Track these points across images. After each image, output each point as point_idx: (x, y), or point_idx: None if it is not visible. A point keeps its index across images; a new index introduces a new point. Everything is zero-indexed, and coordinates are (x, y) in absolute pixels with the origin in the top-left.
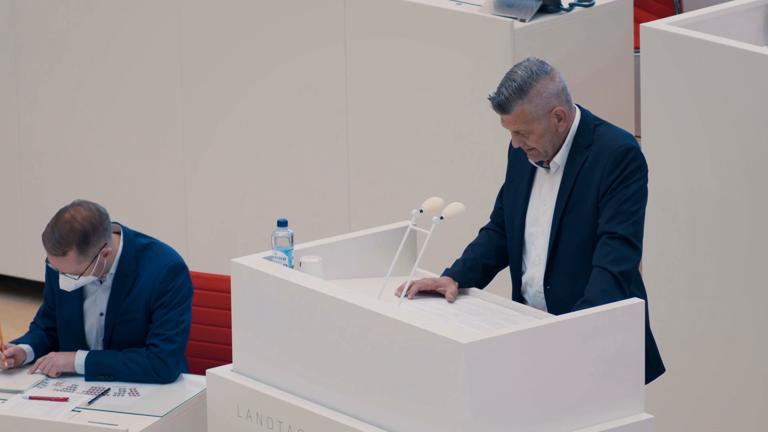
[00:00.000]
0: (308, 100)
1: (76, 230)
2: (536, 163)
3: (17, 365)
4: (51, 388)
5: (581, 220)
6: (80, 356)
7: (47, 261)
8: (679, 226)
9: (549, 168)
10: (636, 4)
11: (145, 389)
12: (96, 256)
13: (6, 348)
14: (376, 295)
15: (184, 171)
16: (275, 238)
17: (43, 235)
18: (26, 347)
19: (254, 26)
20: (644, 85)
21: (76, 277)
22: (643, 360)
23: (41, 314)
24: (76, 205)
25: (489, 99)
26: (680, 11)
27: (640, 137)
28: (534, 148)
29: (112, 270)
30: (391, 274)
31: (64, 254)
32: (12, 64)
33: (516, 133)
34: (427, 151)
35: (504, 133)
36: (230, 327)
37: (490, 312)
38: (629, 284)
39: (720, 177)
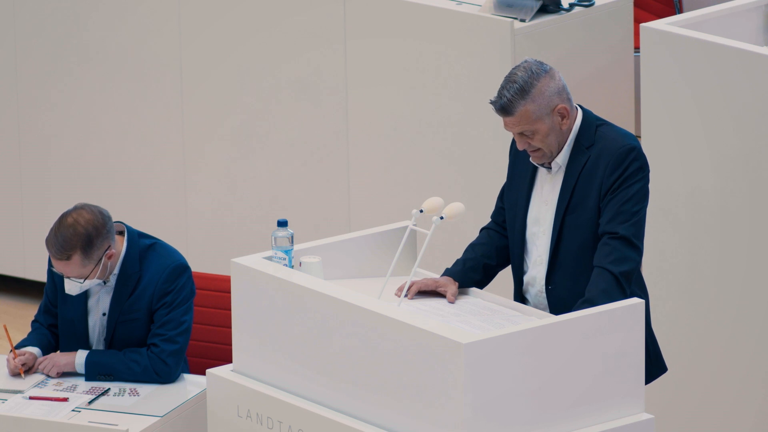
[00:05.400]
0: (308, 100)
1: (80, 234)
2: (538, 163)
3: (30, 370)
4: (51, 388)
5: (583, 220)
6: (81, 356)
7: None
8: (679, 226)
9: (550, 168)
10: (636, 4)
11: (145, 389)
12: (100, 259)
13: (17, 356)
14: (376, 295)
15: (184, 171)
16: (275, 238)
17: (47, 240)
18: (36, 350)
19: (254, 26)
20: (644, 85)
21: (81, 280)
22: (643, 360)
23: (42, 311)
24: (79, 208)
25: (491, 103)
26: (680, 11)
27: (640, 137)
28: (539, 149)
29: (116, 270)
30: (391, 274)
31: (68, 258)
32: (12, 64)
33: (520, 134)
34: (427, 151)
35: (504, 133)
36: (230, 327)
37: (490, 312)
38: (630, 284)
39: (720, 177)
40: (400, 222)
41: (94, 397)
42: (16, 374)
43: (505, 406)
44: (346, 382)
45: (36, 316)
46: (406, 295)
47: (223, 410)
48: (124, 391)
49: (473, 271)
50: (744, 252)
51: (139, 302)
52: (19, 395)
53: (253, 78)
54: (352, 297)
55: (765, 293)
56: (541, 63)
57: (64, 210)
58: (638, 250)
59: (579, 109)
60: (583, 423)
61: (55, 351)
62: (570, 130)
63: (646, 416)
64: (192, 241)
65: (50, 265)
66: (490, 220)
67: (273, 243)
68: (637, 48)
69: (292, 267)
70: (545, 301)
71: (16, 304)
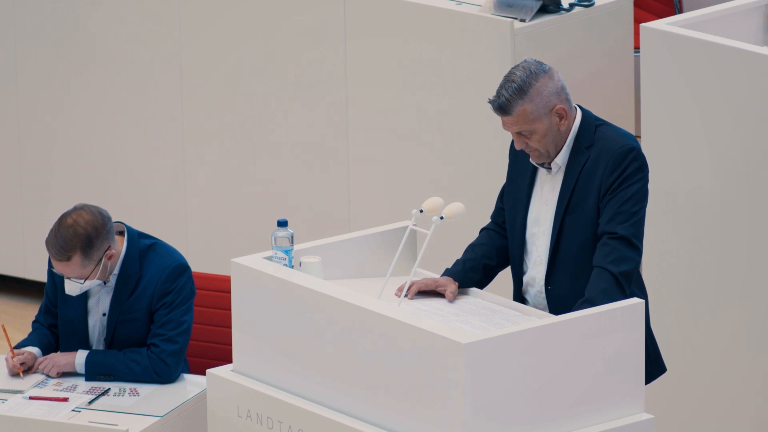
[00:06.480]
0: (308, 100)
1: (80, 235)
2: (537, 163)
3: (30, 370)
4: (51, 388)
5: (582, 220)
6: (81, 356)
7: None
8: (679, 226)
9: (550, 168)
10: (636, 4)
11: (145, 389)
12: (100, 260)
13: (16, 356)
14: (376, 295)
15: (184, 171)
16: (275, 238)
17: (47, 241)
18: (35, 350)
19: (254, 26)
20: (644, 85)
21: (82, 281)
22: (643, 360)
23: (43, 311)
24: (78, 209)
25: (489, 102)
26: (680, 11)
27: (640, 137)
28: (537, 149)
29: (116, 271)
30: (391, 274)
31: (68, 259)
32: (12, 64)
33: (518, 134)
34: (427, 151)
35: (504, 133)
36: (230, 327)
37: (490, 312)
38: (630, 284)
39: (720, 177)
40: (400, 222)
41: (94, 397)
42: (15, 374)
43: (505, 406)
44: (346, 382)
45: (36, 317)
46: (406, 295)
47: (223, 410)
48: (124, 391)
49: (473, 271)
50: (744, 252)
51: (139, 302)
52: (19, 395)
53: (253, 78)
54: (352, 297)
55: (765, 293)
56: (540, 63)
57: (65, 210)
58: (638, 250)
59: (578, 110)
60: (583, 423)
61: (55, 351)
62: (569, 130)
63: (646, 416)
64: (192, 241)
65: (50, 265)
66: (489, 220)
67: (273, 243)
68: (637, 48)
69: (292, 267)
70: (545, 302)
71: (16, 304)
